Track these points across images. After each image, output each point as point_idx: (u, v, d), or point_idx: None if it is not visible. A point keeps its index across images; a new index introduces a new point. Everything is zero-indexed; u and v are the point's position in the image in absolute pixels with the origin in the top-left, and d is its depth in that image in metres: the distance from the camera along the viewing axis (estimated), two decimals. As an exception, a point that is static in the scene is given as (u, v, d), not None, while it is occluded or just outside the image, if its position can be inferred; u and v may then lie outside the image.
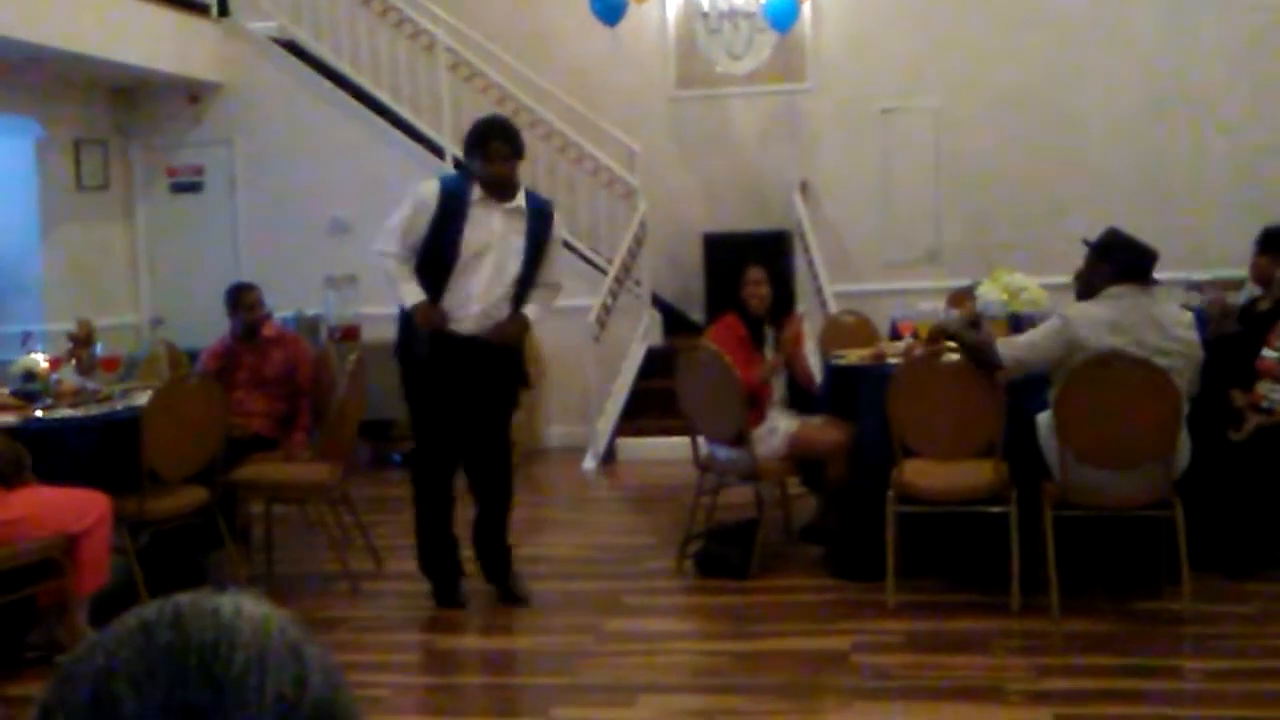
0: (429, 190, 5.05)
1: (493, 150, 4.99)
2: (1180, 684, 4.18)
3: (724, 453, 5.61)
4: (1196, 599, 4.69)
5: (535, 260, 5.07)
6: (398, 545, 6.23)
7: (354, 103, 9.33)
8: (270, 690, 0.72)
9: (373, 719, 3.99)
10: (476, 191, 5.01)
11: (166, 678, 0.71)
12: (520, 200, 5.07)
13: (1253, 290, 6.19)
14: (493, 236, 5.01)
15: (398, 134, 9.31)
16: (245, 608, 0.76)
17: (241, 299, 6.16)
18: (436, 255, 4.98)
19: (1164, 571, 4.85)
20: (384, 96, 9.40)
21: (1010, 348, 4.78)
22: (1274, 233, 6.18)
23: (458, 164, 5.26)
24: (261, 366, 6.11)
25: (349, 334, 8.81)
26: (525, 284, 5.08)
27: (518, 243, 5.03)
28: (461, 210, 4.98)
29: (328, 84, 9.36)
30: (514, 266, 5.02)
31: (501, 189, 5.02)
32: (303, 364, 6.17)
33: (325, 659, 0.77)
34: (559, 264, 5.27)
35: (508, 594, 5.22)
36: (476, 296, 5.00)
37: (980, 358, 4.85)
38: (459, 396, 5.08)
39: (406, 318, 5.07)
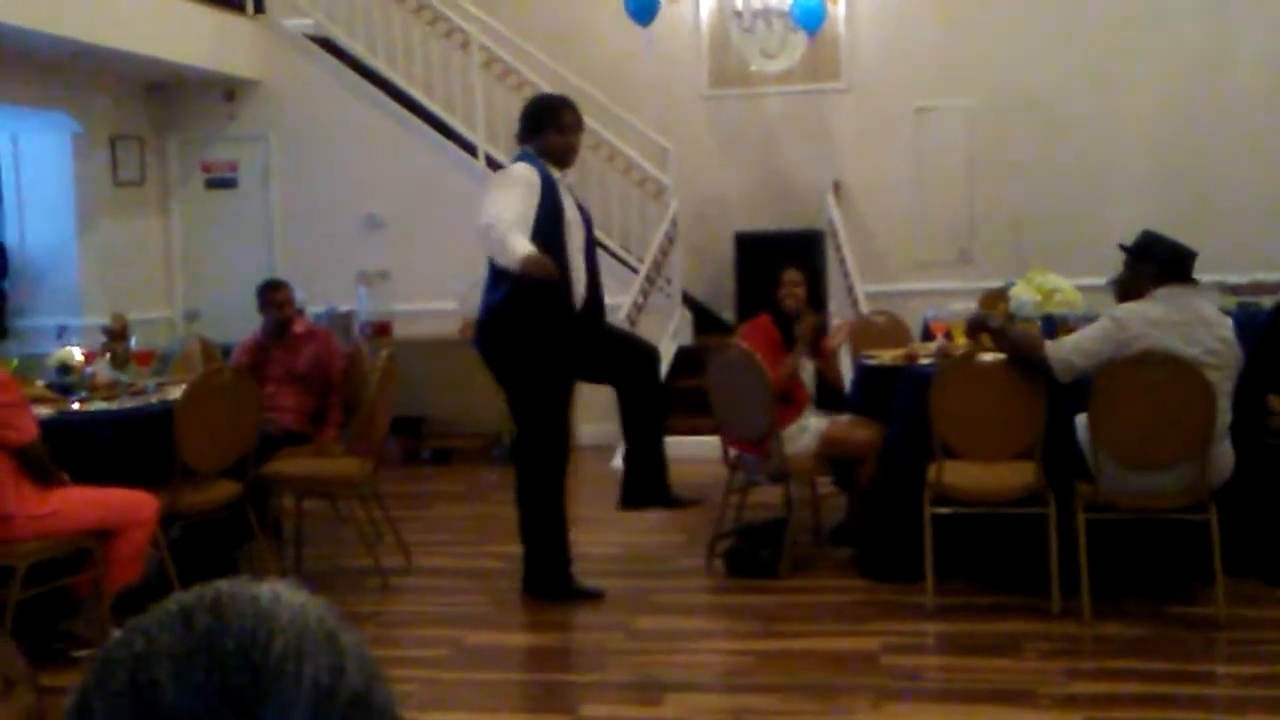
0: (529, 173, 4.94)
1: (567, 121, 5.02)
2: (1213, 689, 4.15)
3: (750, 459, 5.62)
4: (1231, 604, 4.64)
5: (592, 233, 5.17)
6: (427, 541, 6.27)
7: (387, 100, 9.36)
8: (308, 677, 0.72)
9: (402, 714, 4.00)
10: (555, 171, 5.03)
11: (205, 663, 0.72)
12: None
13: None
14: (577, 219, 5.06)
15: (431, 131, 9.34)
16: (284, 595, 0.76)
17: (271, 296, 6.21)
18: (550, 239, 4.85)
19: (1199, 576, 4.81)
20: (417, 93, 9.42)
21: (1059, 350, 4.73)
22: None
23: (521, 156, 5.15)
24: (293, 362, 6.15)
25: (381, 330, 8.84)
26: (593, 257, 5.17)
27: (581, 219, 5.11)
28: (555, 190, 4.96)
29: (362, 81, 9.39)
30: (582, 236, 5.07)
31: (567, 162, 5.08)
32: (334, 360, 6.20)
33: (362, 648, 0.77)
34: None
35: (672, 498, 5.39)
36: (579, 270, 5.04)
37: (1023, 354, 4.81)
38: (576, 371, 5.19)
39: (519, 292, 4.83)
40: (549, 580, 5.16)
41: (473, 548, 6.30)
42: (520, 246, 4.65)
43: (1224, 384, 4.59)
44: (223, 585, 0.76)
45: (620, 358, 5.26)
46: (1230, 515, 4.67)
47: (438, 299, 8.98)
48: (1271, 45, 9.21)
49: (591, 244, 5.15)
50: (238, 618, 0.74)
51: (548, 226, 4.87)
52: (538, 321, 4.92)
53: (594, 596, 5.17)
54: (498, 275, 4.95)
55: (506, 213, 4.76)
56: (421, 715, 4.03)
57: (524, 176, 4.92)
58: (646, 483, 5.35)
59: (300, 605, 0.76)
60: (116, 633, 0.76)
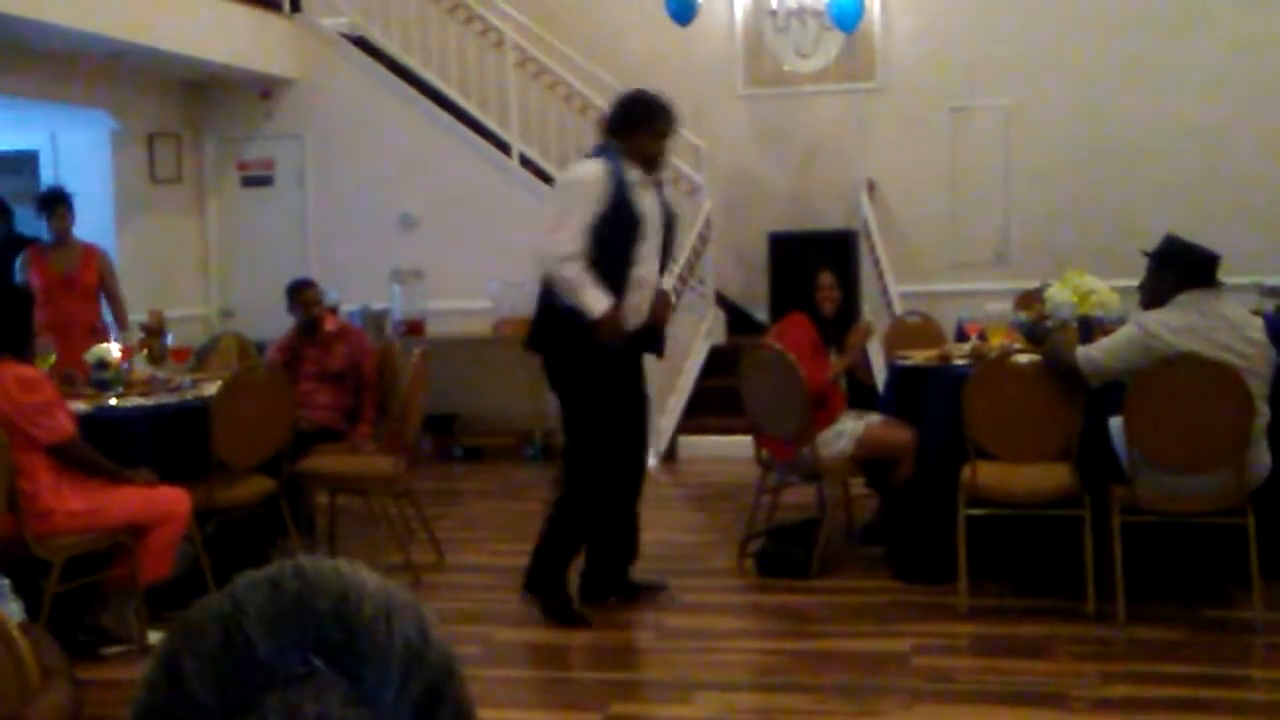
0: (596, 175, 4.72)
1: (661, 128, 4.84)
2: (1249, 694, 4.11)
3: (781, 464, 5.61)
4: (1269, 608, 4.60)
5: (672, 233, 5.00)
6: (460, 539, 6.29)
7: (422, 98, 9.39)
8: (399, 636, 0.73)
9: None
10: (633, 171, 4.78)
11: (299, 620, 0.72)
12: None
13: None
14: (655, 216, 4.82)
15: (465, 130, 9.36)
16: (361, 569, 0.77)
17: (299, 296, 6.26)
18: (616, 246, 4.69)
19: (1236, 579, 4.76)
20: (452, 93, 9.45)
21: (1089, 351, 4.72)
22: None
23: (602, 149, 4.90)
24: (325, 360, 6.19)
25: (414, 328, 8.87)
26: (666, 258, 5.04)
27: (660, 218, 4.88)
28: (628, 194, 4.72)
29: (397, 80, 9.42)
30: (659, 242, 4.89)
31: (654, 167, 4.89)
32: (365, 358, 6.24)
33: (440, 629, 0.78)
34: None
35: (638, 589, 5.15)
36: (649, 282, 4.83)
37: (1055, 360, 4.80)
38: (634, 387, 5.02)
39: (578, 322, 4.68)
40: (546, 588, 4.94)
41: (505, 545, 6.30)
42: (595, 304, 4.62)
43: (1257, 385, 4.55)
44: (302, 558, 0.77)
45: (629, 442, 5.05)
46: (1268, 518, 4.63)
47: (471, 298, 9.00)
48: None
49: (667, 249, 4.95)
50: (325, 582, 0.74)
51: (612, 229, 4.67)
52: (592, 343, 4.72)
53: (585, 623, 4.86)
54: (551, 291, 4.83)
55: (575, 244, 4.62)
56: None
57: (587, 181, 4.72)
58: (609, 574, 5.11)
59: (376, 577, 0.77)
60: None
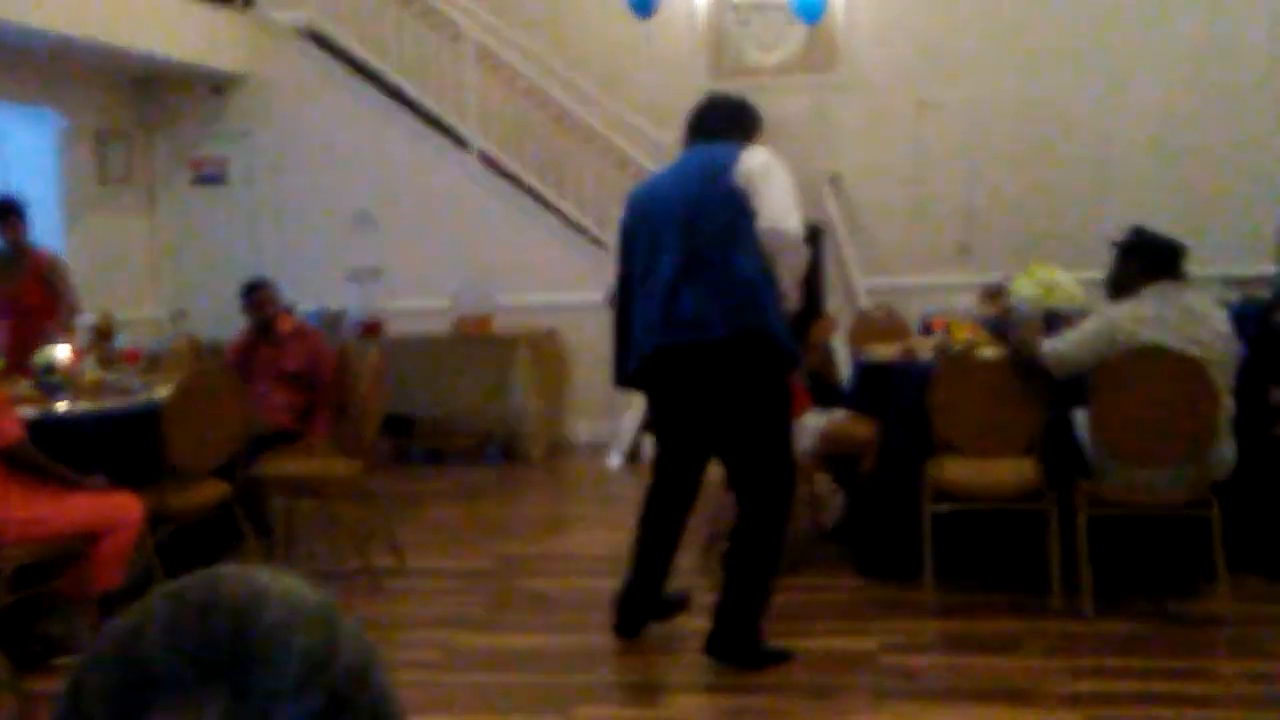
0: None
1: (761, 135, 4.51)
2: (1216, 687, 4.08)
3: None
4: (1234, 600, 4.59)
5: None
6: (420, 542, 6.20)
7: (379, 94, 9.28)
8: (298, 647, 0.72)
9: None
10: None
11: (196, 634, 0.72)
12: None
13: None
14: None
15: (423, 126, 9.26)
16: (283, 577, 0.77)
17: (253, 296, 6.18)
18: None
19: (1201, 572, 4.74)
20: (409, 88, 9.34)
21: (1054, 344, 4.70)
22: None
23: (730, 144, 4.36)
24: (281, 361, 6.09)
25: (372, 328, 8.76)
26: None
27: None
28: None
29: (352, 75, 9.31)
30: None
31: None
32: (322, 359, 6.14)
33: (363, 639, 0.77)
34: None
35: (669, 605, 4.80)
36: None
37: (1021, 352, 4.78)
38: None
39: (785, 323, 4.22)
40: (748, 645, 4.33)
41: (465, 548, 6.23)
42: (795, 292, 4.26)
43: (1221, 378, 4.53)
44: (223, 567, 0.77)
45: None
46: (1233, 511, 4.62)
47: (430, 296, 8.91)
48: (1272, 35, 9.14)
49: None
50: (231, 592, 0.74)
51: None
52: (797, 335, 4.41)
53: (784, 658, 4.35)
54: (767, 285, 4.17)
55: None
56: (413, 718, 3.96)
57: (781, 164, 4.26)
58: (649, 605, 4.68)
59: (298, 585, 0.77)
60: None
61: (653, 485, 4.58)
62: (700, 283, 4.09)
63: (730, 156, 4.19)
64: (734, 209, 4.11)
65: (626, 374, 4.43)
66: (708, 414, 4.25)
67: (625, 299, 4.41)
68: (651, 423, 4.60)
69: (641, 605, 4.63)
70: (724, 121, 4.45)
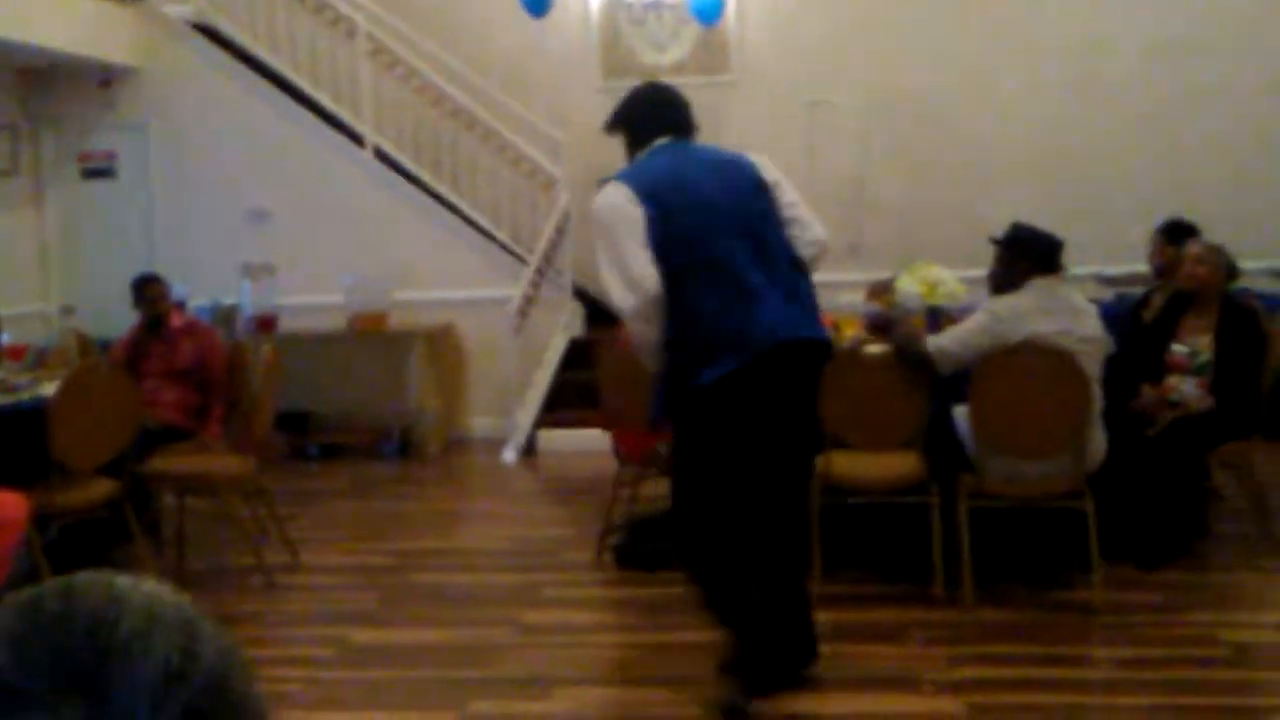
0: None
1: None
2: (1090, 672, 4.25)
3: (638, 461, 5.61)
4: (1107, 589, 4.77)
5: None
6: (315, 538, 6.18)
7: (272, 89, 9.19)
8: (156, 658, 0.71)
9: (284, 714, 3.93)
10: None
11: (51, 644, 0.70)
12: None
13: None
14: None
15: (317, 121, 9.19)
16: (142, 584, 0.76)
17: (144, 292, 6.12)
18: None
19: (1076, 562, 4.92)
20: (303, 83, 9.26)
21: (939, 341, 4.84)
22: (1176, 224, 6.32)
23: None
24: (172, 357, 6.04)
25: (265, 324, 8.68)
26: None
27: None
28: None
29: (245, 69, 9.20)
30: None
31: None
32: (213, 354, 6.10)
33: (224, 643, 0.76)
34: (604, 279, 3.94)
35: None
36: None
37: (907, 349, 4.91)
38: None
39: None
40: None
41: (361, 544, 6.22)
42: None
43: (1096, 371, 4.73)
44: (80, 574, 0.75)
45: None
46: (1106, 502, 4.80)
47: (325, 293, 8.85)
48: (1146, 40, 9.44)
49: None
50: (87, 601, 0.73)
51: None
52: None
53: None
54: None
55: None
56: (307, 715, 3.97)
57: None
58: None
59: (157, 592, 0.75)
60: None
61: (743, 517, 3.88)
62: (781, 283, 3.88)
63: (747, 160, 4.10)
64: (777, 215, 4.01)
65: (714, 375, 3.73)
66: (801, 419, 3.98)
67: (680, 294, 3.79)
68: (730, 437, 3.80)
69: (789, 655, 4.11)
70: (690, 117, 4.23)
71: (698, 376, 3.74)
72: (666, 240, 3.76)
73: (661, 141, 4.05)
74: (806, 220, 4.05)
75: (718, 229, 3.83)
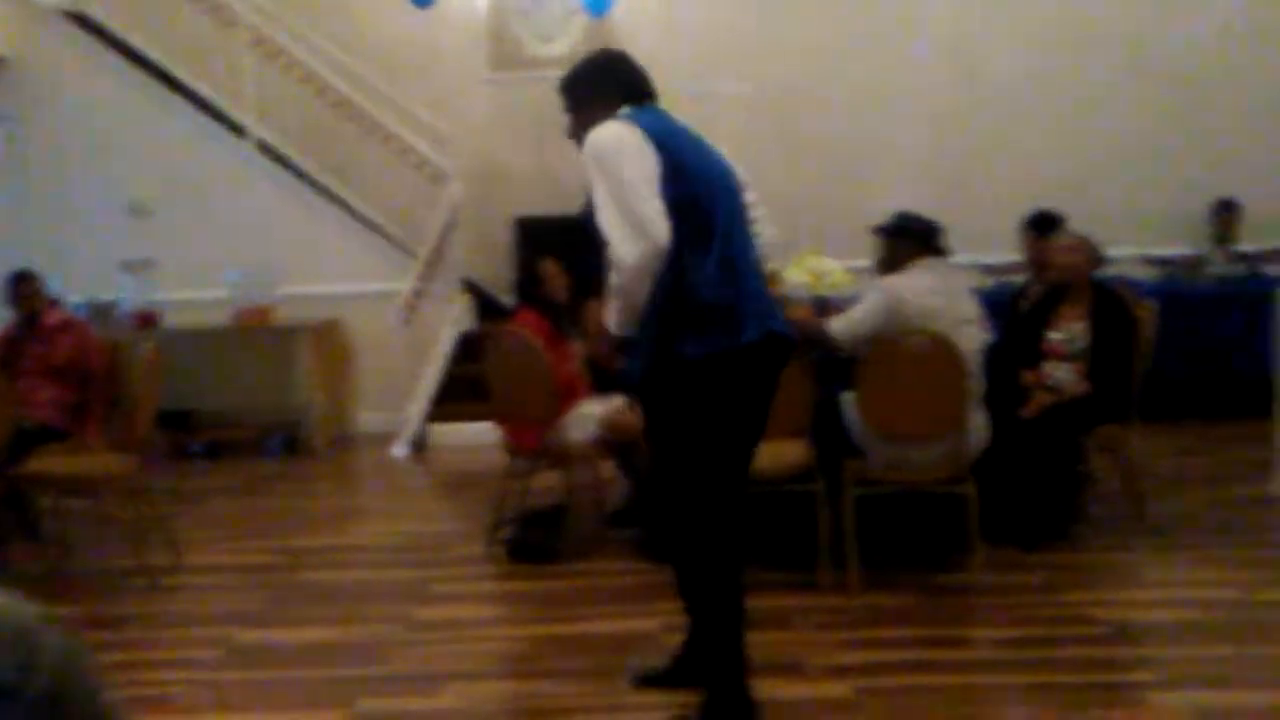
0: None
1: None
2: (974, 653, 4.34)
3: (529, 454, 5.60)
4: (989, 571, 4.88)
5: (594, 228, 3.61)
6: (198, 538, 6.07)
7: (150, 80, 8.99)
8: None
9: (166, 718, 3.86)
10: None
11: None
12: None
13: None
14: None
15: (197, 112, 9.01)
16: None
17: (17, 289, 5.98)
18: None
19: (960, 545, 5.02)
20: (182, 74, 9.08)
21: (837, 324, 4.93)
22: (1042, 216, 6.49)
23: None
24: (48, 355, 5.88)
25: (146, 320, 8.50)
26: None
27: None
28: None
29: (121, 60, 8.99)
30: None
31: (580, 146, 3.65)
32: (91, 351, 5.95)
33: (70, 652, 0.74)
34: (599, 215, 3.44)
35: None
36: None
37: (808, 334, 4.96)
38: None
39: None
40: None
41: (246, 543, 6.13)
42: None
43: (977, 354, 4.86)
44: None
45: None
46: (987, 486, 4.91)
47: (208, 288, 8.69)
48: (1027, 36, 9.65)
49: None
50: None
51: None
52: None
53: None
54: None
55: None
56: (189, 718, 3.90)
57: None
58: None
59: (5, 606, 0.74)
60: None
61: (723, 505, 3.66)
62: (758, 274, 3.66)
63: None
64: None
65: (701, 351, 3.45)
66: (765, 413, 3.74)
67: (675, 258, 3.43)
68: (715, 417, 3.56)
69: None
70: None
71: (682, 347, 3.43)
72: (676, 198, 3.40)
73: (648, 105, 3.71)
74: (762, 221, 3.99)
75: (717, 201, 3.53)
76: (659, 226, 3.32)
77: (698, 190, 3.48)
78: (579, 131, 3.67)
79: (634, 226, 3.31)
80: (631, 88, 3.73)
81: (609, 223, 3.37)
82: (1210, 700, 3.70)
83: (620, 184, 3.36)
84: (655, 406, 3.62)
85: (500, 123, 10.02)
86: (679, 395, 3.51)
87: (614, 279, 3.41)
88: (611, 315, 3.52)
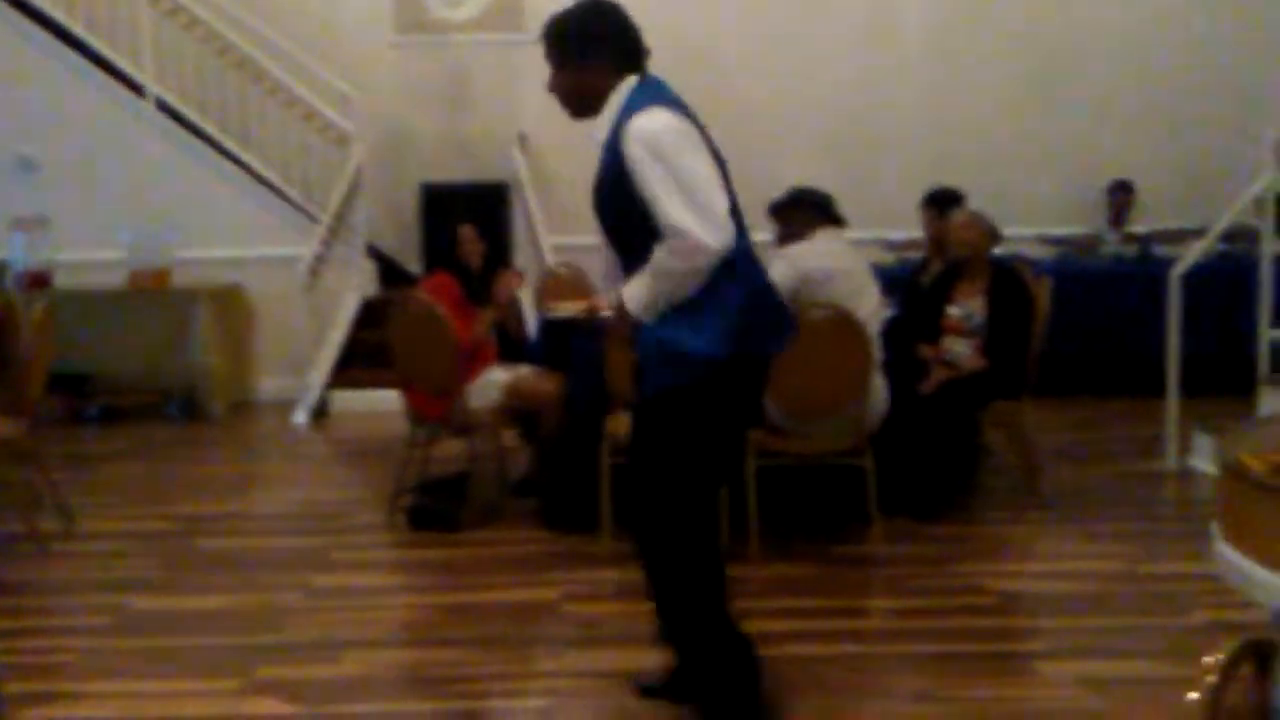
0: None
1: None
2: (870, 622, 4.42)
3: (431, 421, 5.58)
4: (886, 542, 4.97)
5: (606, 207, 3.45)
6: (92, 503, 5.97)
7: (43, 33, 8.74)
8: None
9: (57, 686, 3.79)
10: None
11: None
12: (602, 126, 3.40)
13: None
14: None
15: (92, 68, 8.79)
16: None
17: None
18: None
19: (858, 517, 5.10)
20: (77, 29, 8.84)
21: None
22: (942, 193, 6.60)
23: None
24: (-66, 316, 5.71)
25: (39, 280, 8.29)
26: (618, 245, 3.45)
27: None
28: None
29: (12, 12, 8.73)
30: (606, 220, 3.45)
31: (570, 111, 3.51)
32: (-21, 312, 5.79)
33: None
34: (658, 201, 3.12)
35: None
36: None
37: None
38: None
39: None
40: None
41: (142, 509, 6.03)
42: None
43: (874, 322, 4.96)
44: None
45: None
46: (884, 459, 4.99)
47: (103, 248, 8.50)
48: (930, 16, 9.76)
49: (603, 208, 3.51)
50: None
51: None
52: None
53: None
54: None
55: None
56: (81, 686, 3.83)
57: None
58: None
59: None
60: None
61: (709, 518, 3.52)
62: None
63: None
64: None
65: (711, 351, 3.20)
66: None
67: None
68: (715, 440, 3.34)
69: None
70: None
71: (697, 344, 3.17)
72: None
73: (652, 77, 3.43)
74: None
75: (730, 190, 3.29)
76: (727, 221, 3.10)
77: (724, 175, 3.29)
78: (572, 97, 3.45)
79: (709, 219, 3.06)
80: (634, 56, 3.42)
81: (676, 212, 3.06)
82: (1095, 670, 3.81)
83: (693, 177, 3.12)
84: (669, 418, 3.27)
85: (407, 88, 9.91)
86: (705, 401, 3.24)
87: (668, 262, 3.10)
88: (639, 295, 3.20)
